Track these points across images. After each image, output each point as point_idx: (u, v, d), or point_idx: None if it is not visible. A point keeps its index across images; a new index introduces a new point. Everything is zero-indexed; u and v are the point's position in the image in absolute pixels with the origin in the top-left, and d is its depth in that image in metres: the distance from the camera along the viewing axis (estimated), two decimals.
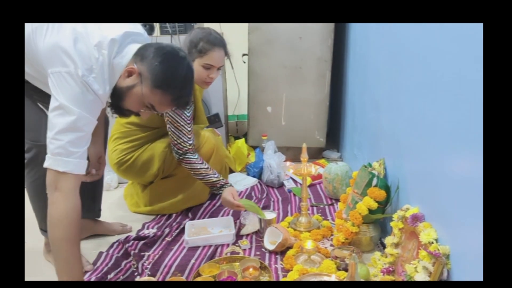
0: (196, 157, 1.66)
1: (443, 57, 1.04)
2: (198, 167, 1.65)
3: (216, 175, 1.66)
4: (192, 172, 1.67)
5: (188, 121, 1.64)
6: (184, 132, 1.64)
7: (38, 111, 1.29)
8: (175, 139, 1.65)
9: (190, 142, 1.66)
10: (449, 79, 1.02)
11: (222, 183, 1.66)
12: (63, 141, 1.06)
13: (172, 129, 1.64)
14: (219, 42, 1.64)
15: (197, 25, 2.21)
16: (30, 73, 1.19)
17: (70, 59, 1.06)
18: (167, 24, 2.16)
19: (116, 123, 1.83)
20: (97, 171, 1.50)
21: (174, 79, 1.13)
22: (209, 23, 2.71)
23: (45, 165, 1.07)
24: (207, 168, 1.66)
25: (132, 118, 1.76)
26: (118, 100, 1.16)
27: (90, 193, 1.58)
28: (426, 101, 1.18)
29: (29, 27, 1.11)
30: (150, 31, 2.13)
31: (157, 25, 2.18)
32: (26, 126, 1.24)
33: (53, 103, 1.07)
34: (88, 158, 1.46)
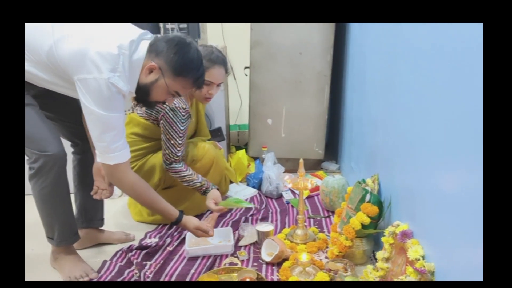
0: (180, 165, 1.74)
1: (437, 76, 1.09)
2: (184, 174, 1.73)
3: (199, 180, 1.73)
4: (179, 180, 1.76)
5: (180, 134, 1.71)
6: (174, 144, 1.71)
7: (44, 122, 1.36)
8: (165, 149, 1.73)
9: (179, 154, 1.73)
10: (441, 100, 1.06)
11: (204, 188, 1.74)
12: (104, 142, 1.27)
13: (164, 139, 1.73)
14: (220, 61, 1.70)
15: (201, 40, 2.29)
16: (56, 82, 1.30)
17: (93, 64, 1.18)
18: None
19: None
20: (110, 190, 1.58)
21: (190, 64, 1.30)
22: (212, 26, 2.81)
23: (98, 160, 1.32)
24: (191, 174, 1.74)
25: (135, 129, 1.84)
26: (144, 95, 1.33)
27: (92, 203, 1.65)
28: (418, 121, 1.24)
29: (50, 40, 1.21)
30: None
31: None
32: (32, 137, 1.31)
33: (84, 109, 1.23)
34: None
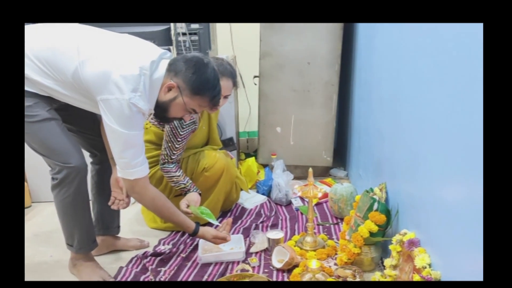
0: (172, 166, 1.81)
1: (441, 90, 1.13)
2: (172, 175, 1.81)
3: (184, 182, 1.80)
4: (167, 179, 1.84)
5: (179, 139, 1.79)
6: (171, 147, 1.79)
7: (67, 136, 1.42)
8: (163, 149, 1.82)
9: (174, 157, 1.81)
10: (444, 113, 1.10)
11: (186, 190, 1.80)
12: (125, 159, 1.34)
13: (164, 140, 1.81)
14: (229, 73, 1.76)
15: (211, 51, 2.35)
16: (79, 99, 1.37)
17: (116, 86, 1.25)
18: (182, 48, 2.30)
19: None
20: (127, 201, 1.64)
21: (207, 83, 1.35)
22: (222, 37, 2.87)
23: (119, 175, 1.40)
24: (179, 176, 1.81)
25: (148, 137, 1.90)
26: (163, 112, 1.40)
27: (109, 211, 1.71)
28: (423, 133, 1.28)
29: (76, 62, 1.28)
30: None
31: (174, 50, 2.32)
32: (56, 150, 1.38)
33: (106, 127, 1.30)
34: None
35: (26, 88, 1.31)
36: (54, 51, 1.29)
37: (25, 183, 2.27)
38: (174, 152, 1.80)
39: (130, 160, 1.34)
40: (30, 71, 1.29)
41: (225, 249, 1.72)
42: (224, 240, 1.63)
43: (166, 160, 1.81)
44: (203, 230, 1.60)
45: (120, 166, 1.37)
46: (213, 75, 1.36)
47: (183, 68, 1.33)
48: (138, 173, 1.37)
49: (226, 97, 1.80)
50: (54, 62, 1.29)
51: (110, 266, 1.66)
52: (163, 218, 1.63)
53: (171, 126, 1.77)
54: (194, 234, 1.58)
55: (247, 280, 1.49)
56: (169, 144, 1.79)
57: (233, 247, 1.73)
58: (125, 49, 1.34)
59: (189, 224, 1.57)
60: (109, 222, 1.74)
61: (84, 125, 1.58)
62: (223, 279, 1.49)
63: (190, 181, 1.83)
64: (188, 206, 1.72)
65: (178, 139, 1.79)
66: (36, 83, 1.32)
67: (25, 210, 2.25)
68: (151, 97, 1.34)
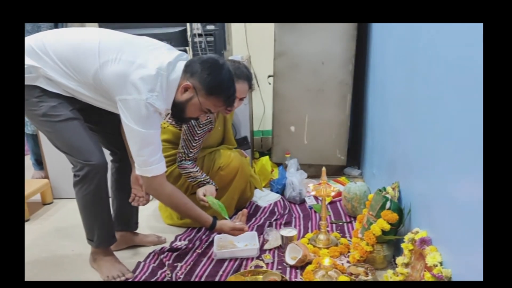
0: (189, 163, 1.87)
1: (454, 88, 1.13)
2: (189, 170, 1.86)
3: (202, 177, 1.86)
4: (185, 176, 1.89)
5: (196, 138, 1.84)
6: (188, 145, 1.86)
7: (88, 135, 1.48)
8: (180, 148, 1.88)
9: (191, 155, 1.87)
10: (458, 111, 1.11)
11: (203, 184, 1.85)
12: (143, 157, 1.39)
13: (181, 139, 1.88)
14: (245, 76, 1.80)
15: (226, 52, 2.39)
16: (99, 99, 1.44)
17: (134, 86, 1.31)
18: (198, 48, 2.35)
19: None
20: (146, 198, 1.70)
21: (222, 84, 1.39)
22: (237, 37, 2.91)
23: (137, 172, 1.45)
24: (197, 171, 1.87)
25: (165, 136, 1.96)
26: (179, 112, 1.44)
27: (128, 208, 1.77)
28: (436, 133, 1.29)
29: (96, 64, 1.34)
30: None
31: (190, 50, 2.37)
32: (79, 148, 1.44)
33: (125, 126, 1.36)
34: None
35: (51, 89, 1.38)
36: (77, 55, 1.35)
37: (48, 180, 2.36)
38: (191, 150, 1.85)
39: (148, 158, 1.39)
40: (54, 73, 1.36)
41: (239, 246, 1.76)
42: (241, 230, 1.66)
43: (183, 158, 1.87)
44: (220, 223, 1.64)
45: (138, 164, 1.42)
46: (228, 76, 1.40)
47: (199, 69, 1.37)
48: (155, 171, 1.42)
49: (241, 99, 1.84)
50: (76, 65, 1.35)
51: (128, 260, 1.72)
52: (181, 214, 1.68)
53: (188, 125, 1.82)
54: (211, 228, 1.62)
55: (261, 276, 1.53)
56: (186, 143, 1.85)
57: (247, 244, 1.77)
58: (143, 51, 1.38)
59: (206, 218, 1.61)
60: (127, 219, 1.80)
61: (105, 124, 1.64)
62: (237, 274, 1.53)
63: (207, 176, 1.88)
64: (205, 195, 1.77)
65: (195, 138, 1.84)
66: (60, 85, 1.38)
67: (47, 206, 2.34)
68: (168, 97, 1.38)
